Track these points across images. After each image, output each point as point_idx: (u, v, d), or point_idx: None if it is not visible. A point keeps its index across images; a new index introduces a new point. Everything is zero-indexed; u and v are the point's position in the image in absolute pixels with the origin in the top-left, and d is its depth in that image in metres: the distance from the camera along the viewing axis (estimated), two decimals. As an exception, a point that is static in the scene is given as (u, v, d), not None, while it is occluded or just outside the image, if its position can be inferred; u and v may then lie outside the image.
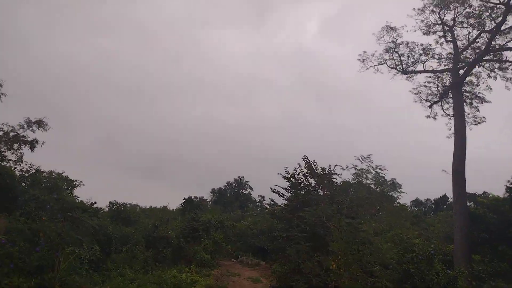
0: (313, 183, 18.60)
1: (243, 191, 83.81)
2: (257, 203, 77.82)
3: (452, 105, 30.82)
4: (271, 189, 18.56)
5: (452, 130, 29.68)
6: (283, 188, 18.45)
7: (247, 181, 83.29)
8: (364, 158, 13.40)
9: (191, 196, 64.34)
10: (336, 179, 17.60)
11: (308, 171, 18.71)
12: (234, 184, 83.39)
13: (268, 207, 19.97)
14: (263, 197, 78.35)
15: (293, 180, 18.48)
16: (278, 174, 18.60)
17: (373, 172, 13.27)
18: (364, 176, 15.30)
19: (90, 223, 16.40)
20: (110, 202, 47.28)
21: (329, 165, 18.13)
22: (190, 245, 27.08)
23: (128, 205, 52.67)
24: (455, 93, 28.21)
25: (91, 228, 16.57)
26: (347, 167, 14.16)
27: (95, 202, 25.78)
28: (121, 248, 22.67)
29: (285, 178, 18.46)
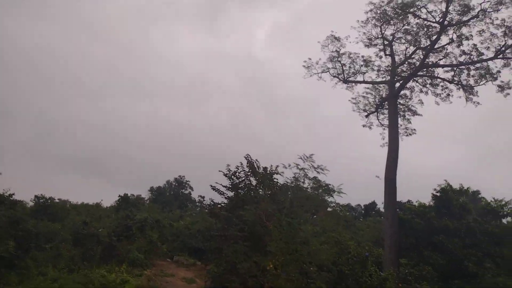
0: (254, 182, 18.55)
1: (183, 190, 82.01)
2: (197, 203, 76.55)
3: (387, 116, 32.69)
4: (211, 186, 18.17)
5: (386, 139, 31.44)
6: (224, 186, 18.16)
7: (188, 181, 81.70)
8: (306, 157, 13.54)
9: (127, 194, 61.73)
10: (277, 179, 17.70)
11: (250, 170, 18.63)
12: (174, 183, 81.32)
13: (207, 206, 19.46)
14: (203, 197, 76.94)
15: (235, 178, 18.28)
16: (219, 171, 18.30)
17: (314, 172, 13.42)
18: (302, 180, 15.58)
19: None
20: (36, 196, 43.68)
21: (271, 165, 18.22)
22: (122, 243, 25.80)
23: (56, 200, 49.22)
24: (390, 104, 29.80)
25: (4, 221, 14.92)
26: (289, 165, 14.21)
27: (13, 194, 23.08)
28: (44, 245, 20.90)
29: (226, 176, 18.18)
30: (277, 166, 17.54)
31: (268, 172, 18.04)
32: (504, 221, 26.16)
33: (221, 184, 18.21)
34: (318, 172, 13.48)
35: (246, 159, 18.78)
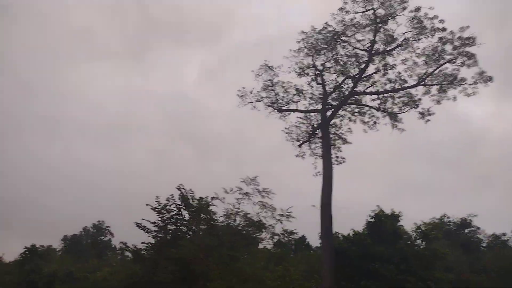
0: (187, 216, 16.09)
1: (103, 237, 74.31)
2: (118, 251, 69.47)
3: (319, 145, 32.50)
4: (136, 223, 15.34)
5: (318, 169, 30.96)
6: (151, 223, 15.44)
7: (108, 227, 74.43)
8: (250, 180, 11.67)
9: (35, 245, 53.94)
10: (214, 211, 15.45)
11: (183, 202, 16.20)
12: (92, 230, 73.50)
13: (130, 250, 16.32)
14: (125, 243, 70.35)
15: (165, 212, 15.68)
16: (147, 205, 15.58)
17: (258, 195, 11.54)
18: (233, 218, 13.78)
19: None
20: None
21: (206, 197, 15.98)
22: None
23: None
24: (323, 132, 29.56)
25: None
26: (231, 190, 12.14)
27: None
28: None
29: (154, 210, 15.51)
30: (213, 197, 15.29)
31: (203, 203, 15.78)
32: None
33: (148, 220, 15.47)
34: (263, 196, 11.63)
35: (179, 190, 16.38)
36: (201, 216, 15.40)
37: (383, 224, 25.15)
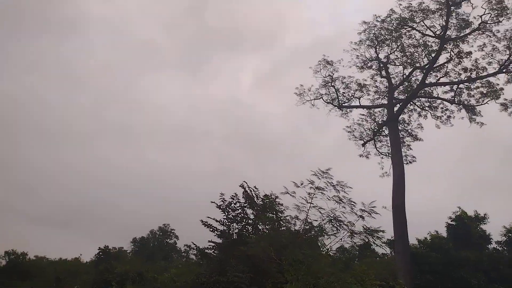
0: (252, 215, 15.61)
1: (168, 240, 76.85)
2: (183, 253, 71.41)
3: (384, 143, 30.57)
4: (202, 221, 15.08)
5: (384, 169, 29.10)
6: (217, 221, 15.13)
7: (173, 229, 76.68)
8: (322, 172, 10.82)
9: (107, 246, 57.08)
10: (281, 207, 14.72)
11: (247, 200, 15.74)
12: (158, 233, 76.23)
13: (197, 249, 16.06)
14: (189, 246, 72.35)
15: (230, 210, 15.34)
16: (212, 202, 15.31)
17: (332, 189, 10.67)
18: (293, 221, 12.98)
19: None
20: (6, 252, 40.28)
21: (271, 194, 15.24)
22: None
23: (30, 257, 44.94)
24: (391, 129, 27.72)
25: None
26: (301, 184, 11.40)
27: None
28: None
29: (219, 208, 15.22)
30: (282, 192, 14.37)
31: (269, 200, 15.18)
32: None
33: (213, 219, 15.18)
34: (337, 190, 10.73)
35: (242, 188, 15.95)
36: (267, 215, 14.75)
37: (467, 227, 22.69)
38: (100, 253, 48.21)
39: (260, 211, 15.30)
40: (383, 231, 10.67)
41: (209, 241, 15.06)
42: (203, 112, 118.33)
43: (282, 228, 13.87)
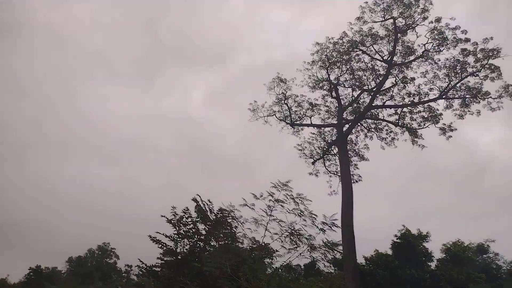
0: (205, 230, 14.95)
1: (108, 260, 72.41)
2: (123, 274, 67.48)
3: (333, 162, 31.41)
4: (150, 237, 14.17)
5: (333, 187, 29.84)
6: (167, 236, 14.30)
7: (113, 248, 72.57)
8: (282, 185, 10.60)
9: (39, 266, 52.58)
10: (236, 222, 14.22)
11: (199, 215, 15.10)
12: (97, 252, 71.68)
13: (145, 268, 14.97)
14: (130, 266, 68.67)
15: (181, 225, 14.58)
16: (162, 216, 14.48)
17: (292, 202, 10.46)
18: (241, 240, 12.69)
19: None
20: None
21: (229, 204, 14.62)
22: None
23: None
24: (340, 148, 28.50)
25: None
26: (261, 195, 11.06)
27: None
28: None
29: (170, 223, 14.42)
30: (231, 210, 13.97)
31: (223, 214, 14.65)
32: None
33: (163, 234, 14.33)
34: (296, 202, 10.53)
35: (195, 201, 15.30)
36: (221, 230, 14.20)
37: (411, 245, 23.57)
38: (31, 274, 44.14)
39: (214, 226, 14.73)
40: (339, 244, 10.60)
41: (158, 258, 14.15)
42: (154, 127, 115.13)
43: (237, 244, 13.41)
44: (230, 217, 14.31)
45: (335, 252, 10.62)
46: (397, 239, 24.44)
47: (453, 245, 24.33)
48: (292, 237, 10.32)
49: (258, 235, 11.22)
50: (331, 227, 10.15)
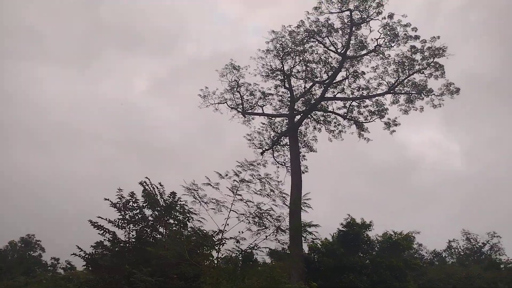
0: (153, 216, 13.69)
1: (31, 252, 66.75)
2: (49, 267, 62.58)
3: (281, 153, 31.33)
4: (91, 222, 12.61)
5: (280, 178, 29.68)
6: (110, 222, 12.81)
7: (38, 241, 67.07)
8: (249, 164, 9.80)
9: None
10: (185, 208, 13.15)
11: (146, 200, 13.80)
12: (19, 244, 65.74)
13: (85, 255, 13.30)
14: (57, 259, 63.87)
15: (127, 211, 13.18)
16: (105, 199, 12.98)
17: (259, 182, 9.71)
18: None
19: None
20: None
21: (193, 181, 13.27)
22: None
23: None
24: (291, 137, 28.37)
25: None
26: (226, 175, 10.15)
27: None
28: None
29: (115, 207, 12.95)
30: (194, 189, 12.72)
31: (174, 200, 13.52)
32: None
33: (106, 219, 12.82)
34: (263, 182, 9.81)
35: (142, 185, 13.95)
36: (172, 215, 13.08)
37: (356, 233, 24.04)
38: None
39: (164, 212, 13.55)
40: (316, 225, 10.11)
41: (97, 243, 12.65)
42: (91, 112, 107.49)
43: (188, 230, 12.44)
44: (184, 202, 13.28)
45: (307, 233, 10.11)
46: (342, 227, 24.85)
47: (394, 234, 25.29)
48: (259, 219, 9.59)
49: (222, 216, 10.32)
50: (302, 208, 9.58)
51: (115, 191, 13.28)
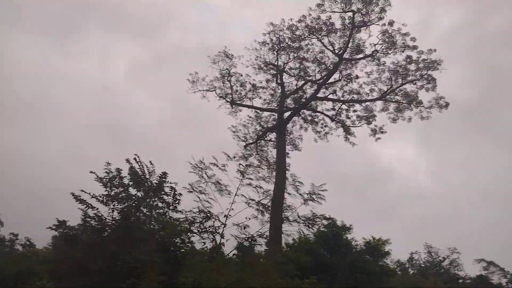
0: (139, 195, 13.00)
1: (-13, 226, 63.47)
2: (7, 243, 59.71)
3: (265, 148, 30.92)
4: (73, 195, 11.78)
5: (261, 173, 29.36)
6: (93, 197, 12.01)
7: (-4, 213, 63.83)
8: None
9: None
10: (176, 191, 12.55)
11: (132, 178, 13.07)
12: (-26, 217, 62.33)
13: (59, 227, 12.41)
14: (16, 235, 61.09)
15: (113, 187, 12.43)
16: (91, 172, 12.18)
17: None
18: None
19: None
20: None
21: (201, 159, 12.58)
22: None
23: None
24: (278, 134, 27.97)
25: None
26: (234, 157, 9.65)
27: None
28: None
29: (101, 182, 12.19)
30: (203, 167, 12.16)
31: (162, 180, 12.87)
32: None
33: (90, 194, 12.02)
34: (271, 169, 9.36)
35: (128, 162, 13.21)
36: (159, 197, 12.46)
37: (336, 235, 24.01)
38: None
39: (150, 192, 12.89)
40: (333, 218, 9.74)
41: (82, 219, 11.84)
42: (65, 88, 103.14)
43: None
44: (174, 183, 12.67)
45: (315, 225, 9.74)
46: (323, 228, 24.80)
47: (373, 239, 25.46)
48: (267, 206, 9.14)
49: (226, 200, 9.80)
50: (313, 199, 9.19)
51: (82, 171, 12.41)
